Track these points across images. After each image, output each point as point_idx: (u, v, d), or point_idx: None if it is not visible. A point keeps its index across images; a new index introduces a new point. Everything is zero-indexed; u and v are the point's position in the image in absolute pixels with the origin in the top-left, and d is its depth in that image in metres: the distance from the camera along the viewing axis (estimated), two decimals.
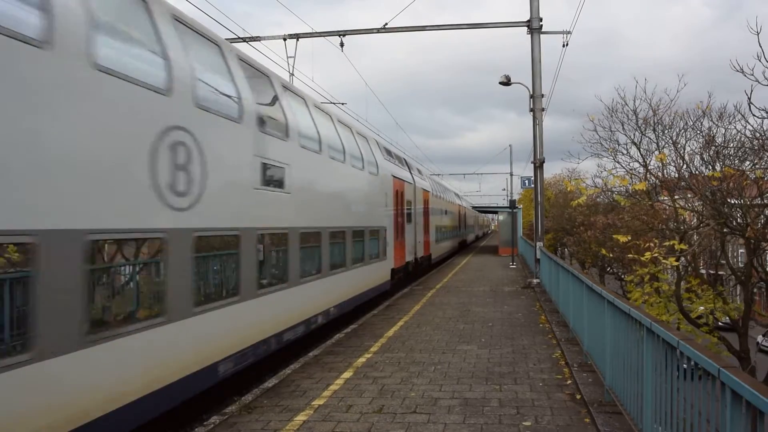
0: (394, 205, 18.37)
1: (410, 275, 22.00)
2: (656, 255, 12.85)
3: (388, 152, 19.52)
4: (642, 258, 13.12)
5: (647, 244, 14.46)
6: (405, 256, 20.26)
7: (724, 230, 13.94)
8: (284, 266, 9.48)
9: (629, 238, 14.42)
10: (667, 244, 13.67)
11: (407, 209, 20.76)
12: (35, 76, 4.57)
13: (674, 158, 15.77)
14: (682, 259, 14.60)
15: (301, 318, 10.03)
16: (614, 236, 15.43)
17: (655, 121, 16.66)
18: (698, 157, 15.18)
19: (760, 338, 34.18)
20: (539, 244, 19.38)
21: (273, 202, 8.97)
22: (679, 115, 16.26)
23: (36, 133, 4.56)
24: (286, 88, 10.45)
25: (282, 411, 6.78)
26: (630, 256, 14.23)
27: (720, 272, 19.23)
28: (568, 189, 29.44)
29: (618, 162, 18.30)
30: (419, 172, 27.05)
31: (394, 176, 18.48)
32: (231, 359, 7.43)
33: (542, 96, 19.46)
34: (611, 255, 20.61)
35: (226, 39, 10.80)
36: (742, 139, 13.74)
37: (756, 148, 12.94)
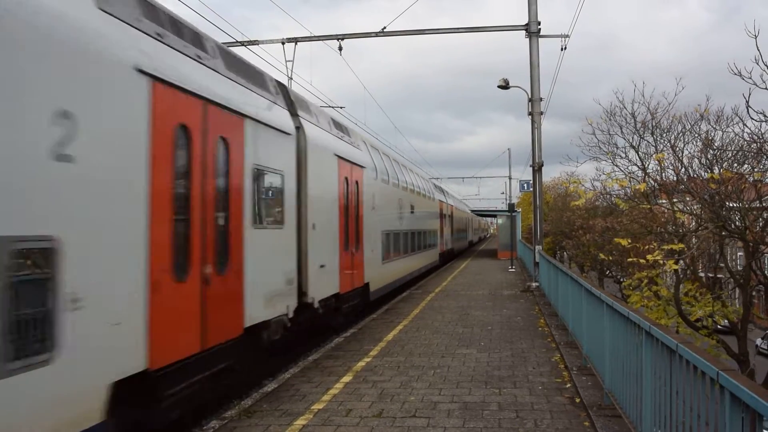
0: (170, 169, 6.38)
1: (274, 356, 9.80)
2: (657, 258, 12.86)
3: (176, 27, 6.94)
4: (643, 261, 13.13)
5: (646, 247, 14.49)
6: (239, 318, 7.84)
7: (723, 233, 13.96)
8: None
9: (630, 241, 14.44)
10: (666, 247, 13.69)
11: (268, 188, 8.99)
12: None
13: (672, 161, 15.80)
14: (681, 261, 14.62)
15: None
16: (615, 240, 15.44)
17: (654, 124, 16.69)
18: (696, 160, 15.22)
19: (759, 341, 34.24)
20: (538, 247, 19.39)
21: None
22: (677, 119, 16.30)
23: None
24: None
25: (282, 415, 6.77)
26: (630, 259, 14.24)
27: (719, 275, 19.26)
28: (569, 190, 29.46)
29: (616, 165, 18.32)
30: (342, 129, 13.92)
31: (178, 88, 6.50)
32: None
33: (541, 99, 19.50)
34: (610, 259, 20.63)
35: (224, 43, 10.56)
36: (740, 142, 13.77)
37: (754, 151, 12.97)
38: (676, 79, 18.80)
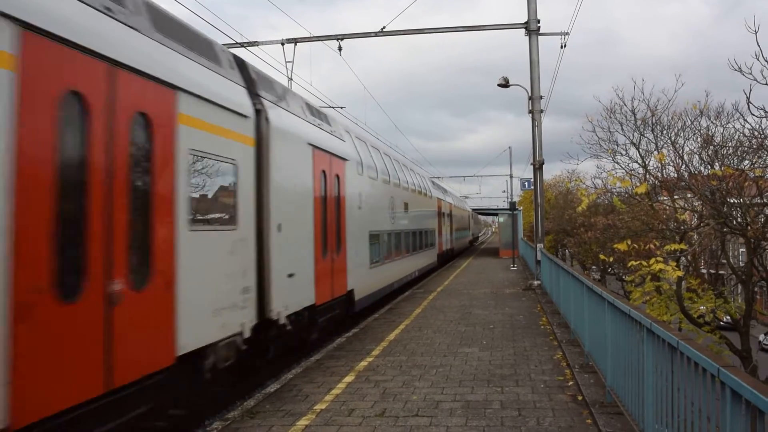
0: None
1: None
2: (660, 264, 12.83)
3: None
4: (644, 263, 13.12)
5: (647, 246, 14.48)
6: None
7: (724, 230, 13.96)
8: None
9: (629, 243, 14.41)
10: (668, 247, 13.68)
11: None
12: None
13: (673, 158, 15.81)
14: (683, 259, 14.63)
15: None
16: (615, 246, 15.43)
17: (654, 121, 16.71)
18: (697, 156, 15.22)
19: (762, 337, 34.24)
20: (540, 245, 19.39)
21: None
22: (677, 115, 16.31)
23: None
24: None
25: (284, 415, 6.78)
26: (631, 263, 14.23)
27: (721, 272, 19.26)
28: (577, 193, 29.42)
29: (617, 163, 18.35)
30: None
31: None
32: None
33: (541, 97, 19.49)
34: (611, 259, 20.62)
35: (224, 44, 10.56)
36: (741, 138, 13.78)
37: (755, 146, 12.97)
38: (676, 75, 18.80)
